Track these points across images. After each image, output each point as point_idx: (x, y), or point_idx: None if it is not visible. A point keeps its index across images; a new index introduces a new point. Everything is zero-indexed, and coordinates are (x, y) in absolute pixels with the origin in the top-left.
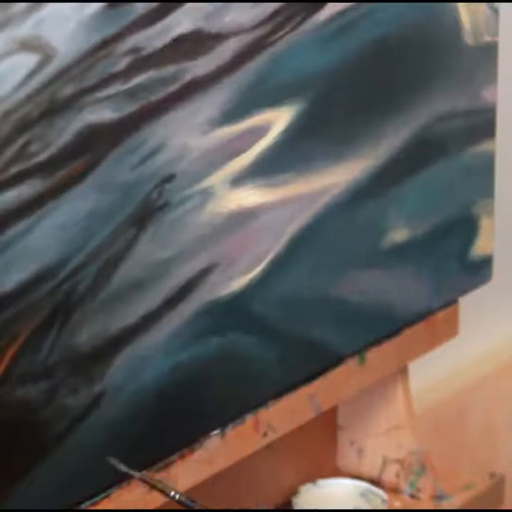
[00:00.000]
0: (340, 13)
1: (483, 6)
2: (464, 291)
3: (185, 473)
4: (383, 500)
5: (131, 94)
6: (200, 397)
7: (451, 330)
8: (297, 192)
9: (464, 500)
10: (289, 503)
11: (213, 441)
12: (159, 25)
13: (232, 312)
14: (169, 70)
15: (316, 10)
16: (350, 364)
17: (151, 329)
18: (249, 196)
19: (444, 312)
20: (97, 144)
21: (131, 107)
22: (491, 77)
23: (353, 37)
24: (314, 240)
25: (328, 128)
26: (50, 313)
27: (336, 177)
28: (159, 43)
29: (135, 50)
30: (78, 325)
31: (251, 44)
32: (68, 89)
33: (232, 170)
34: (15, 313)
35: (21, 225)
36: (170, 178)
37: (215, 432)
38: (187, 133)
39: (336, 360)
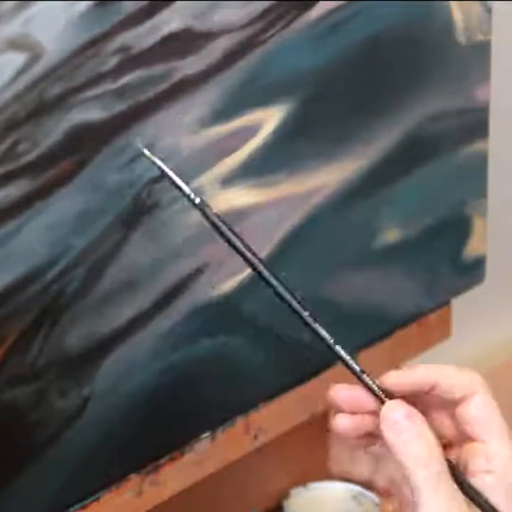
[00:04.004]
0: (332, 12)
1: (476, 4)
2: (457, 292)
3: (175, 476)
4: (375, 504)
5: (120, 93)
6: (190, 399)
7: (443, 331)
8: (288, 192)
9: None
10: (280, 506)
11: (203, 444)
12: (149, 24)
13: (222, 313)
14: (159, 69)
15: (308, 8)
16: (343, 366)
17: (141, 331)
18: (240, 196)
19: (437, 313)
20: (85, 143)
21: (120, 107)
22: (484, 76)
23: (345, 36)
24: (306, 241)
25: (320, 127)
26: (39, 315)
27: (328, 177)
28: (149, 41)
29: (124, 48)
30: (67, 327)
31: (241, 43)
32: (57, 89)
33: (222, 170)
34: (2, 315)
35: (9, 226)
36: (159, 179)
37: (205, 434)
38: (176, 132)
39: (328, 362)
